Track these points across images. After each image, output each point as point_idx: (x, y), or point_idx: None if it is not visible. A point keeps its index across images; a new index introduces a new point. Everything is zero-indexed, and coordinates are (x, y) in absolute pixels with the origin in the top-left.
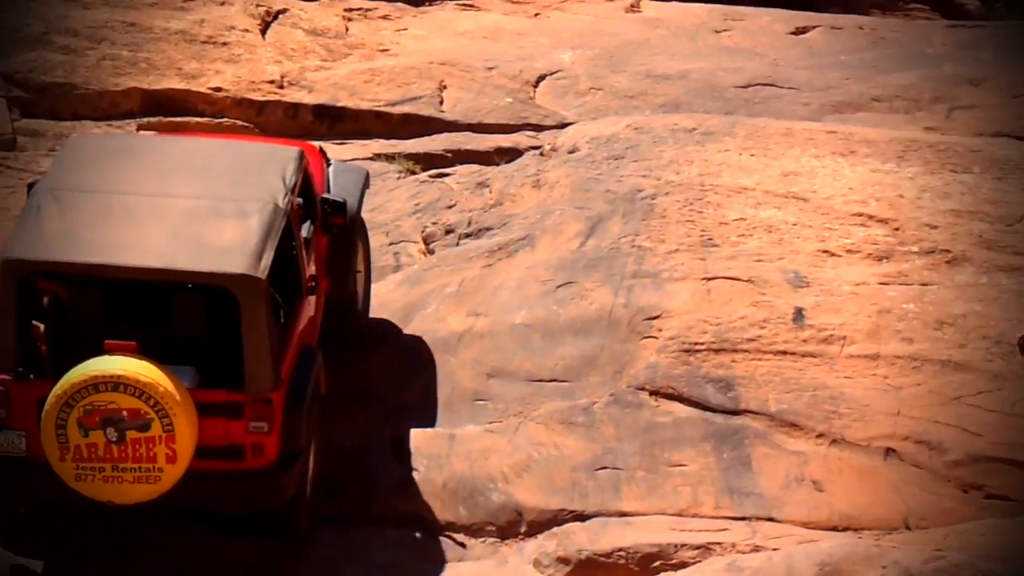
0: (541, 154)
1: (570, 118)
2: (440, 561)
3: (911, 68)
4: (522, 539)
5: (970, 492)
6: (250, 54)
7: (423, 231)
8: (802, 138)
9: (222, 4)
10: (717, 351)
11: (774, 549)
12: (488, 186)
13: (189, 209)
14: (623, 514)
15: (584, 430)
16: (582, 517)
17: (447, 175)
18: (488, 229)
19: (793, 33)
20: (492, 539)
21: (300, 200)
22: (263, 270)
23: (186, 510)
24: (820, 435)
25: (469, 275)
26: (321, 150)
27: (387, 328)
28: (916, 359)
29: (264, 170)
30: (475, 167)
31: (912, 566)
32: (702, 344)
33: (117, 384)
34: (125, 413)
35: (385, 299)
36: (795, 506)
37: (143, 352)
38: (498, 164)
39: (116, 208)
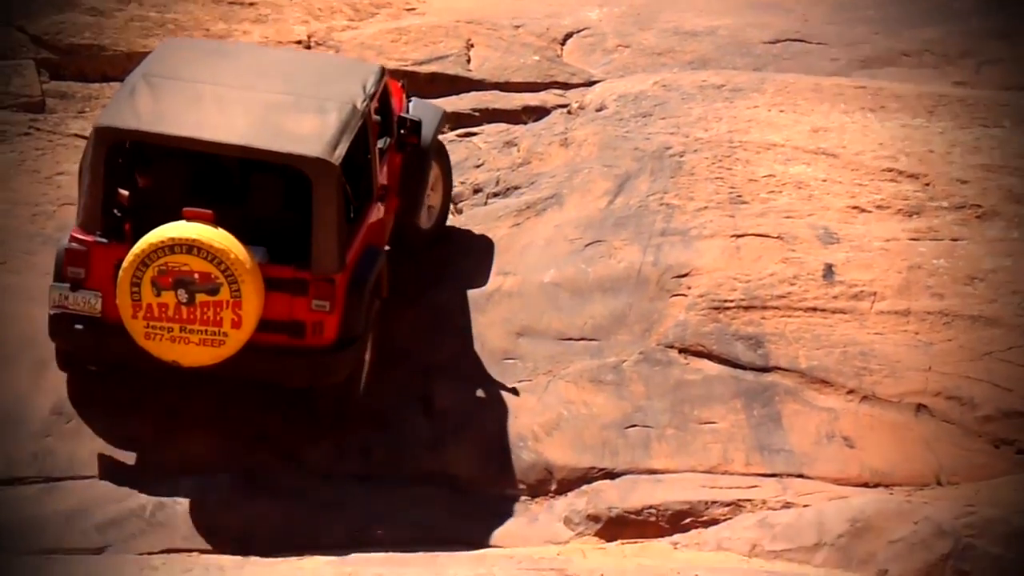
0: (569, 112)
1: (598, 76)
2: (470, 519)
3: (939, 22)
4: (552, 497)
5: (1001, 447)
6: (277, 14)
7: None
8: (831, 93)
9: None
10: (747, 308)
11: (805, 506)
12: (516, 145)
13: (273, 102)
14: (653, 472)
15: (614, 388)
16: (612, 475)
17: (475, 134)
18: (516, 188)
19: None
20: (522, 497)
21: (378, 117)
22: (337, 157)
23: (245, 379)
24: (851, 391)
25: (498, 234)
26: (403, 85)
27: (421, 281)
28: (946, 315)
29: (346, 77)
30: (503, 126)
31: (944, 522)
32: (731, 301)
33: (191, 247)
34: (197, 276)
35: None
36: (826, 462)
37: (219, 223)
38: (526, 123)
39: (205, 95)
